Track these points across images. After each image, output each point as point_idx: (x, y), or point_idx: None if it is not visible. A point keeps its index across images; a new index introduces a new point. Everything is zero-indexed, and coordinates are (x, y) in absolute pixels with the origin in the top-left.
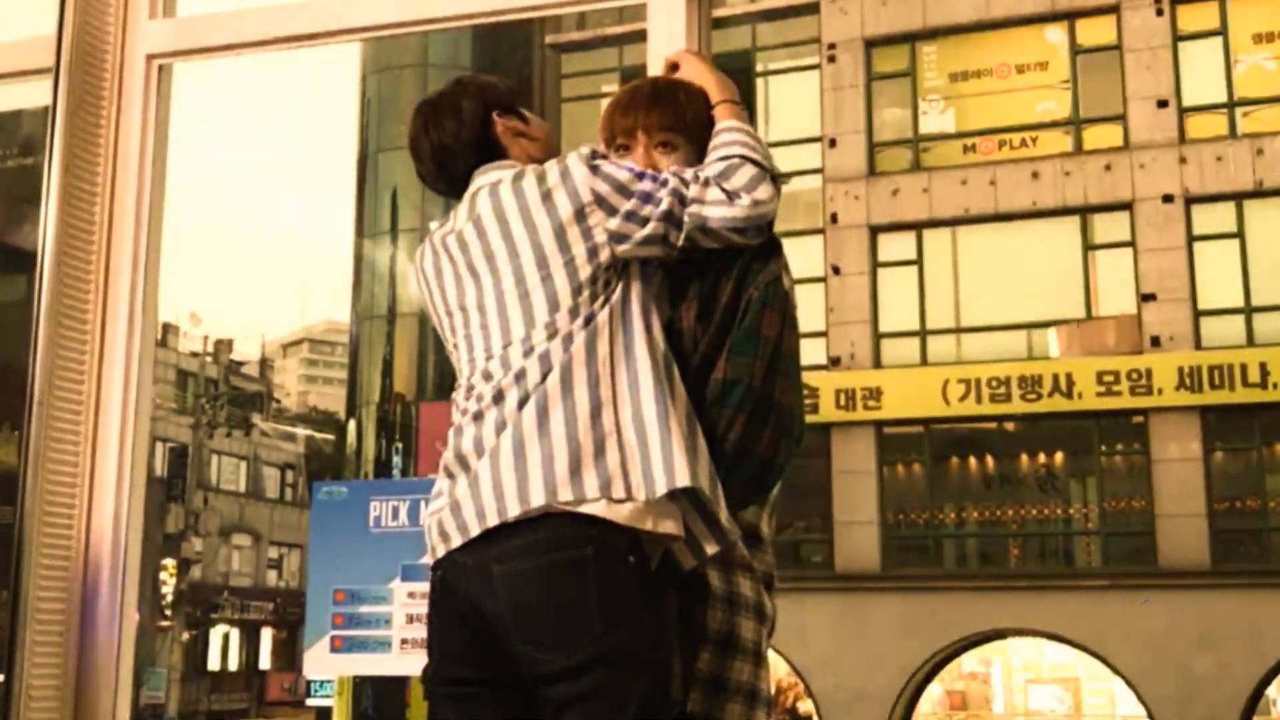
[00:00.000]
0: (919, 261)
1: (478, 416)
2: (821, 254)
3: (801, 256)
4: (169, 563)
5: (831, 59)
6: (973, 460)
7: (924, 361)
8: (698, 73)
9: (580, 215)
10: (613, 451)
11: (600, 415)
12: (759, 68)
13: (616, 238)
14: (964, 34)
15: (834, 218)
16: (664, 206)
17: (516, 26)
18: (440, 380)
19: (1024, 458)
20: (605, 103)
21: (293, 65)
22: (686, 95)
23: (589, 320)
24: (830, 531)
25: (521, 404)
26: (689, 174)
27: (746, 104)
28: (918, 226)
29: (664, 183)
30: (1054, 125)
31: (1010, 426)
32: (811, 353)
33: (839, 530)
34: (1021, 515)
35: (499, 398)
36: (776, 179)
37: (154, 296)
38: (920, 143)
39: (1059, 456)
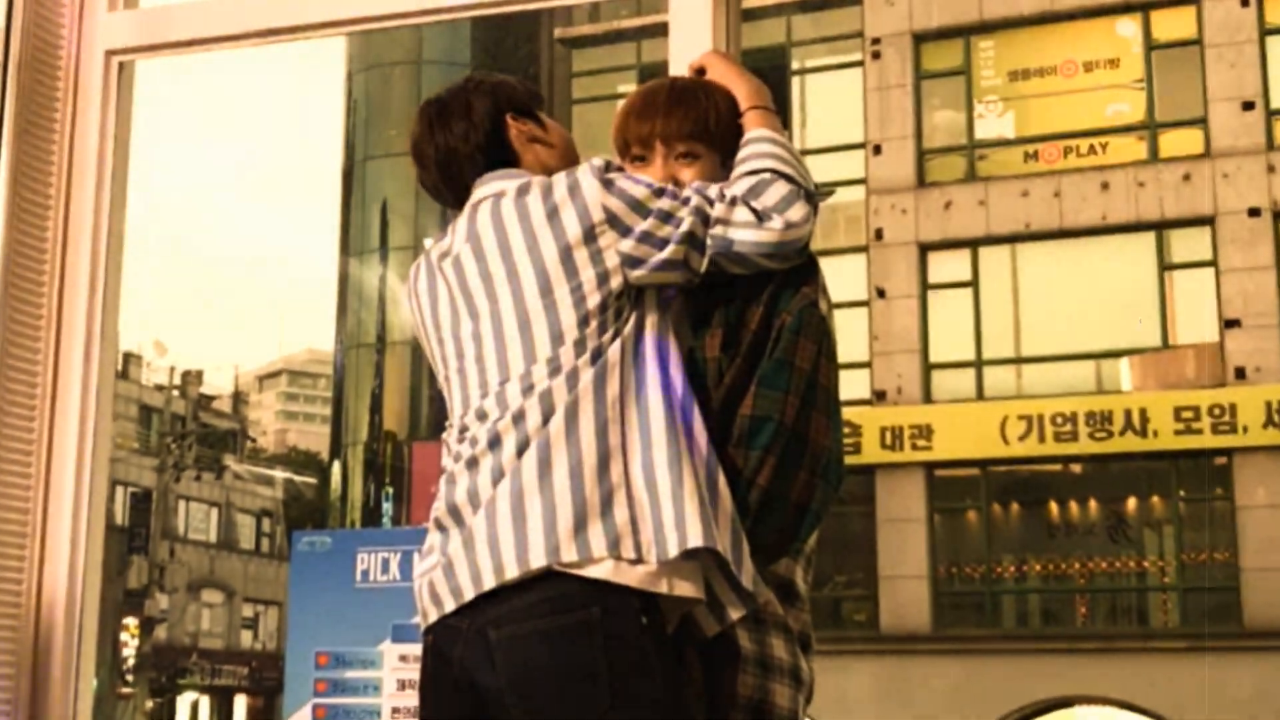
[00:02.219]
0: (974, 283)
1: (472, 463)
2: (864, 275)
3: (842, 277)
4: (131, 622)
5: (876, 55)
6: (1035, 507)
7: (980, 396)
8: (725, 75)
9: (589, 236)
10: (621, 506)
11: (608, 466)
12: (794, 65)
13: (630, 261)
14: (1025, 27)
15: (879, 234)
16: (685, 227)
17: (522, 19)
18: (436, 417)
19: (1092, 504)
20: (620, 105)
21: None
22: (710, 98)
23: (597, 355)
24: (874, 587)
25: (521, 450)
26: (714, 190)
27: (780, 107)
28: (973, 244)
29: (686, 200)
30: (1126, 130)
31: (1077, 469)
32: (853, 386)
33: (884, 586)
34: (1089, 568)
35: (496, 442)
36: (813, 196)
37: (113, 323)
38: (976, 149)
39: (1131, 502)
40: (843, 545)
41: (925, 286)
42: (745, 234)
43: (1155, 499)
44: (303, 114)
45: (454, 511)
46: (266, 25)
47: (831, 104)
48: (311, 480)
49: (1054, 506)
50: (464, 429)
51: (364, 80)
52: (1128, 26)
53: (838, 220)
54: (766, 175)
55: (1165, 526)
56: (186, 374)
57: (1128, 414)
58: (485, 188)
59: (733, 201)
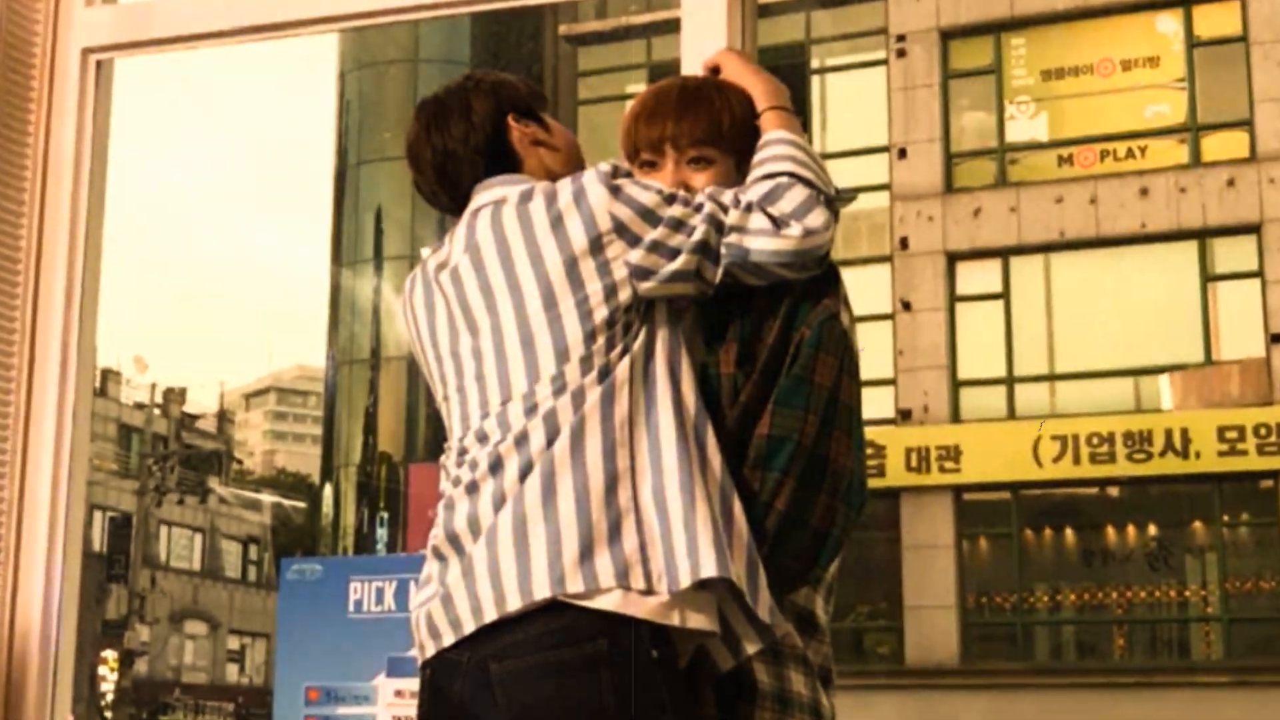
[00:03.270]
0: (1005, 295)
1: (473, 488)
2: (889, 286)
3: (865, 289)
4: (109, 655)
5: (901, 53)
6: (1069, 532)
7: (1011, 414)
8: (740, 74)
9: (596, 246)
10: (630, 533)
11: (616, 490)
12: (814, 64)
13: (640, 273)
14: (1059, 23)
15: (904, 243)
16: (698, 236)
17: (525, 14)
18: (433, 438)
19: (1131, 529)
20: (628, 108)
21: (257, 61)
22: (724, 99)
23: (605, 373)
24: (899, 618)
25: (524, 474)
26: (728, 196)
27: (798, 109)
28: (1004, 253)
29: (698, 207)
30: (1166, 132)
31: (1114, 492)
32: (877, 404)
33: (909, 616)
34: (1128, 598)
35: (497, 466)
36: (834, 201)
37: (91, 337)
38: (1007, 153)
39: (1173, 528)
40: (865, 573)
41: (953, 298)
42: (762, 242)
43: (1198, 524)
44: (292, 116)
45: (453, 539)
46: (253, 21)
47: (853, 105)
48: (301, 504)
49: (1090, 532)
50: (463, 451)
51: (357, 80)
52: (1168, 22)
53: (860, 228)
54: (784, 179)
55: (1208, 553)
56: (169, 391)
57: (1168, 434)
58: (485, 194)
59: (748, 207)
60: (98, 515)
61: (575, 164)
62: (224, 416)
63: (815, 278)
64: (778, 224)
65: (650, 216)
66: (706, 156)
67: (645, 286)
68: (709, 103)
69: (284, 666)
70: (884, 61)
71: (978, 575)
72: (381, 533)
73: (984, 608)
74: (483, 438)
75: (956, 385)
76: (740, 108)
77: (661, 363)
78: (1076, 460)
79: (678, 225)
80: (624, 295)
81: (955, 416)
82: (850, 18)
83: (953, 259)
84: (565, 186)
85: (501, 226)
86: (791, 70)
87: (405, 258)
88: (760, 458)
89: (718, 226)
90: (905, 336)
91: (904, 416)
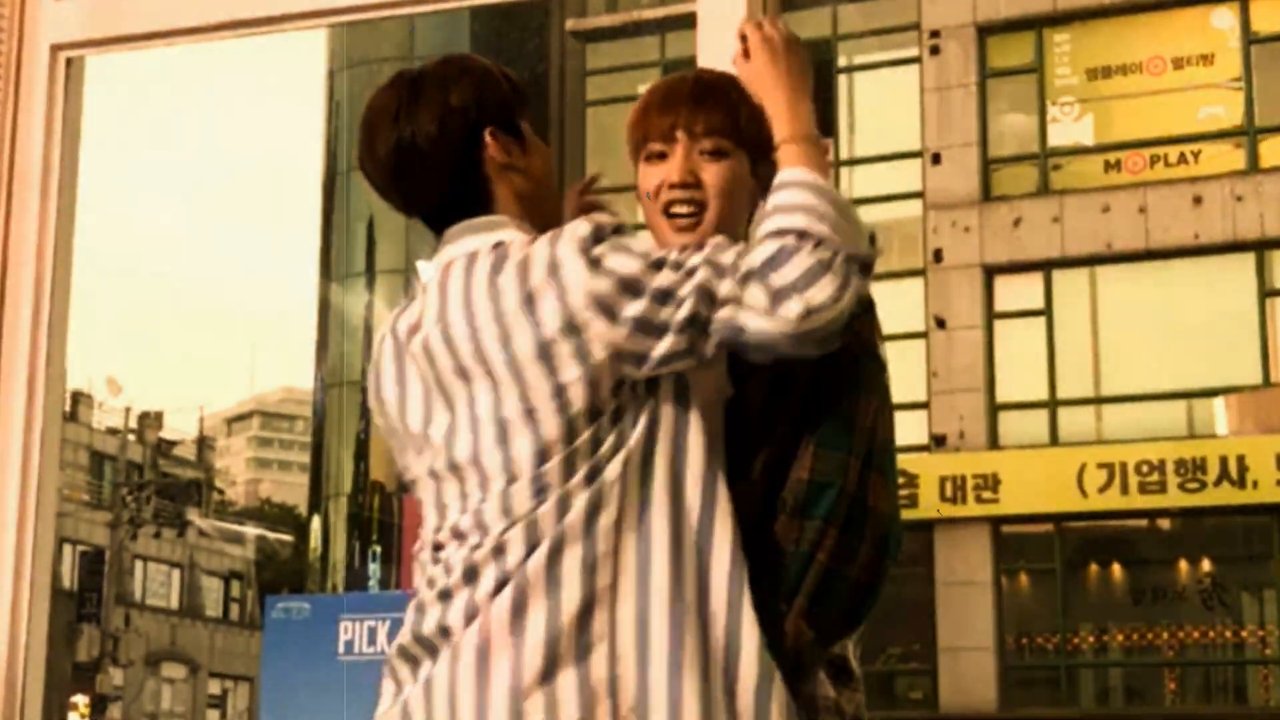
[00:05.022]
0: (1047, 312)
1: (445, 595)
2: (922, 302)
3: (896, 305)
4: (80, 700)
5: (935, 50)
6: (1117, 568)
7: (1054, 441)
8: (761, 83)
9: (572, 328)
10: (600, 661)
11: (592, 612)
12: (841, 62)
13: (624, 357)
14: (1106, 18)
15: (938, 255)
16: (686, 311)
17: (529, 8)
18: None
19: (1183, 565)
20: (638, 101)
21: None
22: (741, 93)
23: (593, 475)
24: (933, 660)
25: (498, 589)
26: (728, 256)
27: (824, 110)
28: (1045, 267)
29: (690, 272)
30: (1221, 136)
31: (1165, 524)
32: (909, 429)
33: (944, 658)
34: (1180, 638)
35: (472, 575)
36: (855, 261)
37: (60, 357)
38: (1049, 159)
39: (1228, 563)
40: (897, 612)
41: (991, 316)
42: (755, 321)
43: (1255, 559)
44: (277, 118)
45: (420, 645)
46: (235, 16)
47: (884, 106)
48: (287, 538)
49: (1139, 568)
50: (438, 547)
51: (347, 79)
52: (1224, 17)
53: (891, 240)
54: (790, 240)
55: (1265, 590)
56: (144, 416)
57: (1223, 461)
58: (455, 245)
59: (746, 276)
60: (67, 549)
61: (545, 197)
62: (204, 443)
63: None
64: (776, 299)
65: (633, 288)
66: (722, 148)
67: (632, 371)
68: (726, 94)
69: (269, 712)
70: (917, 59)
71: (1018, 614)
72: (374, 568)
73: (1024, 649)
74: (459, 536)
75: (995, 409)
76: (759, 107)
77: (663, 455)
78: (1124, 490)
79: (664, 297)
80: (609, 381)
81: (993, 443)
82: (880, 12)
83: (990, 273)
84: (539, 259)
85: (471, 300)
86: (817, 69)
87: (399, 271)
88: (800, 504)
89: (709, 297)
90: (940, 357)
91: (938, 443)
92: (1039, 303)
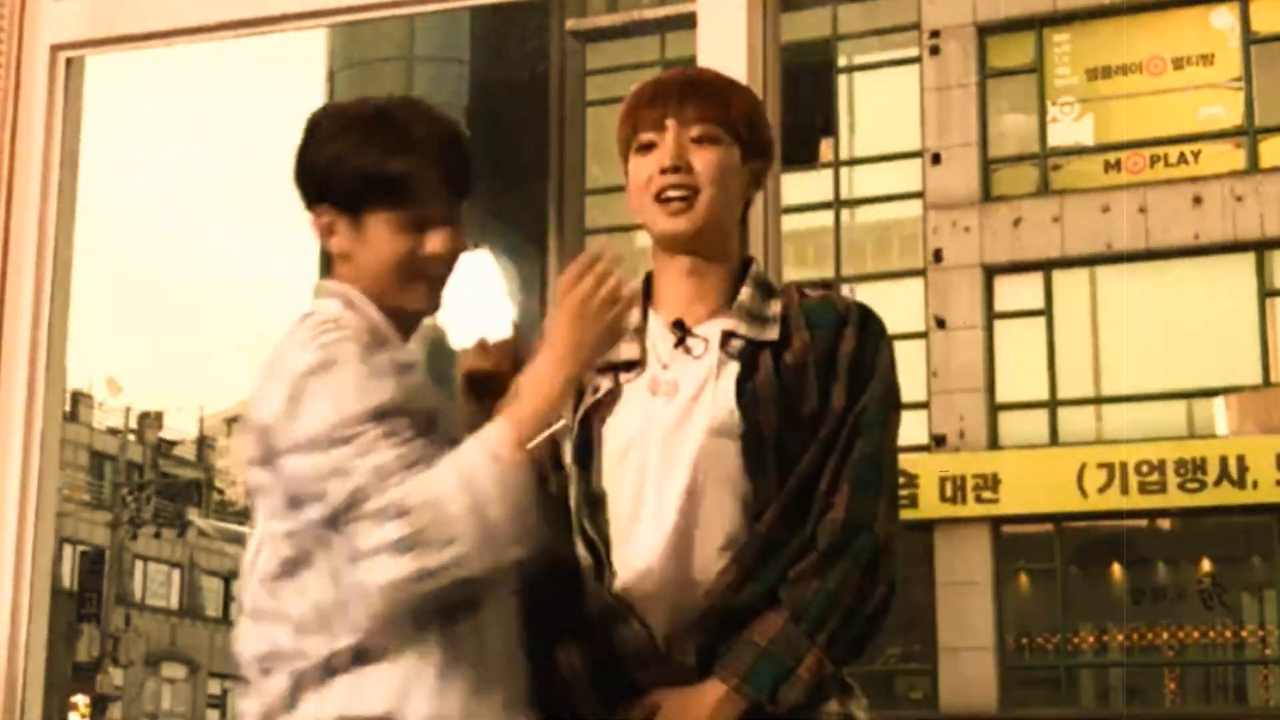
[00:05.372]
0: (1047, 312)
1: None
2: (921, 302)
3: (896, 305)
4: (80, 700)
5: (935, 50)
6: (1117, 568)
7: (1054, 441)
8: (550, 332)
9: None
10: None
11: None
12: (841, 61)
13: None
14: (1106, 18)
15: (937, 255)
16: (343, 495)
17: (529, 8)
18: None
19: (1183, 565)
20: (627, 97)
21: (241, 59)
22: (733, 89)
23: None
24: (933, 660)
25: None
26: (396, 471)
27: (825, 109)
28: (1045, 267)
29: (369, 453)
30: (1222, 136)
31: (1165, 525)
32: (909, 429)
33: (944, 659)
34: (1180, 639)
35: None
36: (430, 571)
37: (60, 357)
38: (1049, 159)
39: (1228, 563)
40: (897, 612)
41: (991, 315)
42: (362, 563)
43: (1255, 559)
44: (278, 118)
45: None
46: (235, 16)
47: (883, 106)
48: None
49: (1139, 568)
50: None
51: (347, 79)
52: (1224, 17)
53: (891, 240)
54: (429, 498)
55: (1266, 590)
56: (144, 416)
57: (1223, 462)
58: (313, 298)
59: (379, 513)
60: (67, 549)
61: (383, 286)
62: (204, 443)
63: (860, 331)
64: (353, 555)
65: (316, 443)
66: (712, 135)
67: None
68: (716, 86)
69: None
70: (917, 59)
71: (1017, 614)
72: None
73: (1024, 649)
74: None
75: (995, 409)
76: (752, 102)
77: None
78: (1124, 490)
79: (334, 472)
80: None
81: (993, 443)
82: (880, 12)
83: (990, 273)
84: (289, 362)
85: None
86: (817, 69)
87: None
88: (832, 547)
89: (355, 501)
90: (939, 356)
91: (938, 443)
92: (1039, 303)
